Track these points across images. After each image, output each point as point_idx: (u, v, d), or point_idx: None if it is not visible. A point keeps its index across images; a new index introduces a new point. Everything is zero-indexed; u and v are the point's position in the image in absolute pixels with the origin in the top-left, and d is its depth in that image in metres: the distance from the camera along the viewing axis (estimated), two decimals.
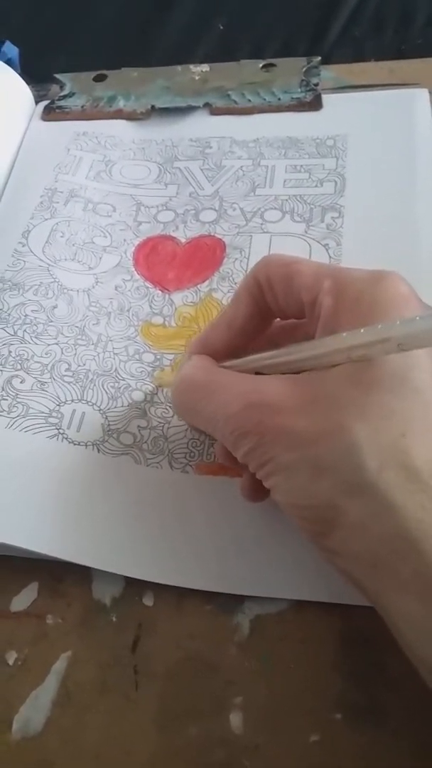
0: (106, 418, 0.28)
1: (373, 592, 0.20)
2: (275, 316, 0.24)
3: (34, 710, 0.23)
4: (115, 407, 0.29)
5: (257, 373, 0.23)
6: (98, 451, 0.27)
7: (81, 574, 0.25)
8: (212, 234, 0.34)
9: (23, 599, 0.25)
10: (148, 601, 0.25)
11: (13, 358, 0.30)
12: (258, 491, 0.23)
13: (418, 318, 0.17)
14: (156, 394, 0.29)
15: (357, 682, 0.22)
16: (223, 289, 0.32)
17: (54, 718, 0.23)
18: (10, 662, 0.24)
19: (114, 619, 0.25)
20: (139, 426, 0.28)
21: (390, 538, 0.18)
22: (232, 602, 0.24)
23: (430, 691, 0.21)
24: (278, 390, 0.21)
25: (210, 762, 0.22)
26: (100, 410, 0.29)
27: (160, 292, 0.33)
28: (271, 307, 0.23)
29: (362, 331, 0.19)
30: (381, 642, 0.23)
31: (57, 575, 0.25)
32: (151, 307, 0.32)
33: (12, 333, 0.31)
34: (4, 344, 0.31)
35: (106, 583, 0.25)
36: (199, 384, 0.23)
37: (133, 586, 0.25)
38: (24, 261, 0.34)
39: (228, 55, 0.45)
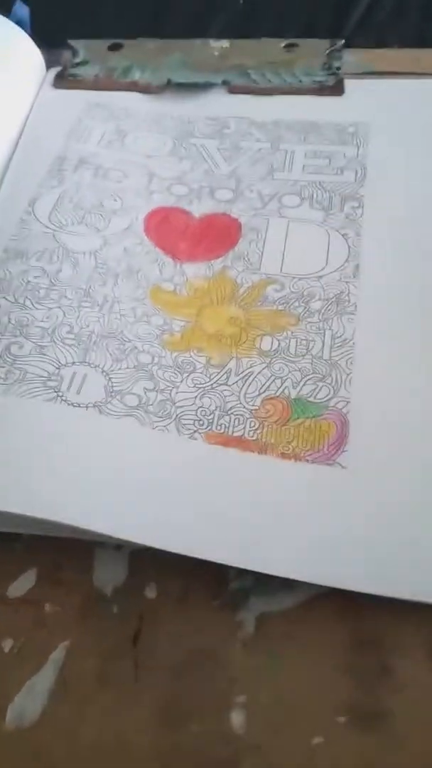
0: (110, 379, 0.27)
1: None
2: None
3: (29, 700, 0.22)
4: (120, 369, 0.28)
5: None
6: (99, 412, 0.26)
7: (81, 562, 0.25)
8: (227, 213, 0.33)
9: (21, 585, 0.24)
10: (150, 592, 0.24)
11: (12, 324, 0.29)
12: None
13: None
14: (164, 357, 0.28)
15: (363, 685, 0.22)
16: (237, 267, 0.31)
17: (50, 708, 0.22)
18: (6, 650, 0.23)
19: (115, 609, 0.24)
20: (145, 388, 0.27)
21: None
22: (237, 598, 0.24)
23: None
24: None
25: (210, 760, 0.21)
26: (103, 372, 0.28)
27: (171, 260, 0.32)
28: None
29: None
30: (389, 645, 0.22)
31: (57, 562, 0.25)
32: (161, 272, 0.31)
33: (13, 300, 0.30)
34: (5, 313, 0.29)
35: (108, 572, 0.24)
36: None
37: (136, 576, 0.24)
38: (29, 229, 0.33)
39: (246, 30, 0.44)
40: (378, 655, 0.22)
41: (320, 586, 0.23)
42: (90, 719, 0.22)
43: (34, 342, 0.28)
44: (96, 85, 0.39)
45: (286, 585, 0.23)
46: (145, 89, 0.39)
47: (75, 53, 0.41)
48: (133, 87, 0.39)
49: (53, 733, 0.22)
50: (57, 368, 0.28)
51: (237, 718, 0.22)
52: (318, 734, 0.21)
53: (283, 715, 0.22)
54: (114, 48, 0.41)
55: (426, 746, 0.21)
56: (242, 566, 0.23)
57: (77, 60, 0.40)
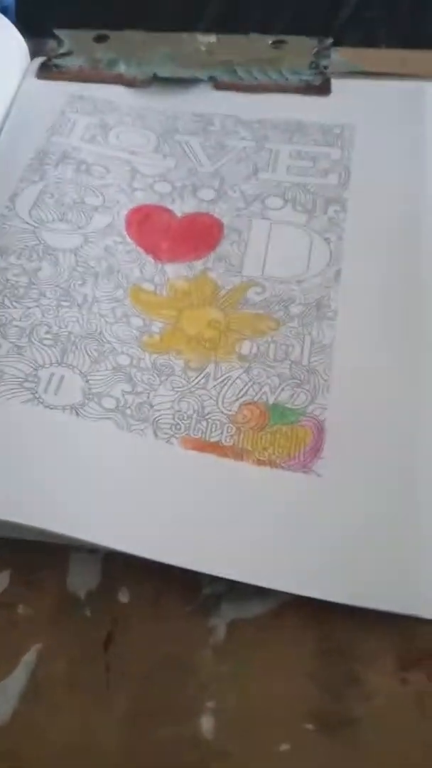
0: (87, 381, 0.27)
1: None
2: None
3: (0, 701, 0.22)
4: (98, 371, 0.28)
5: None
6: (77, 414, 0.26)
7: (55, 565, 0.25)
8: (210, 213, 0.33)
9: None
10: (123, 597, 0.24)
11: None
12: None
13: None
14: (143, 359, 0.28)
15: (331, 693, 0.22)
16: (218, 269, 0.31)
17: (21, 711, 0.22)
18: None
19: (88, 613, 0.24)
20: (123, 390, 0.27)
21: None
22: (209, 604, 0.24)
23: (403, 707, 0.21)
24: None
25: (179, 765, 0.21)
26: (80, 373, 0.27)
27: (152, 259, 0.32)
28: None
29: None
30: (357, 653, 0.23)
31: (31, 565, 0.25)
32: (142, 272, 0.31)
33: None
34: None
35: (82, 576, 0.25)
36: None
37: (109, 580, 0.24)
38: (9, 225, 0.32)
39: (235, 22, 0.43)
40: (347, 663, 0.23)
41: (291, 594, 0.23)
42: (60, 721, 0.22)
43: (11, 342, 0.28)
44: (80, 77, 0.38)
45: (258, 592, 0.23)
46: (130, 83, 0.38)
47: (60, 43, 0.40)
48: (118, 80, 0.38)
49: (24, 734, 0.22)
50: (34, 369, 0.27)
51: (206, 724, 0.22)
52: (286, 741, 0.22)
53: (251, 722, 0.22)
54: (100, 39, 0.40)
55: (393, 754, 0.21)
56: (214, 573, 0.23)
57: (62, 50, 0.40)
